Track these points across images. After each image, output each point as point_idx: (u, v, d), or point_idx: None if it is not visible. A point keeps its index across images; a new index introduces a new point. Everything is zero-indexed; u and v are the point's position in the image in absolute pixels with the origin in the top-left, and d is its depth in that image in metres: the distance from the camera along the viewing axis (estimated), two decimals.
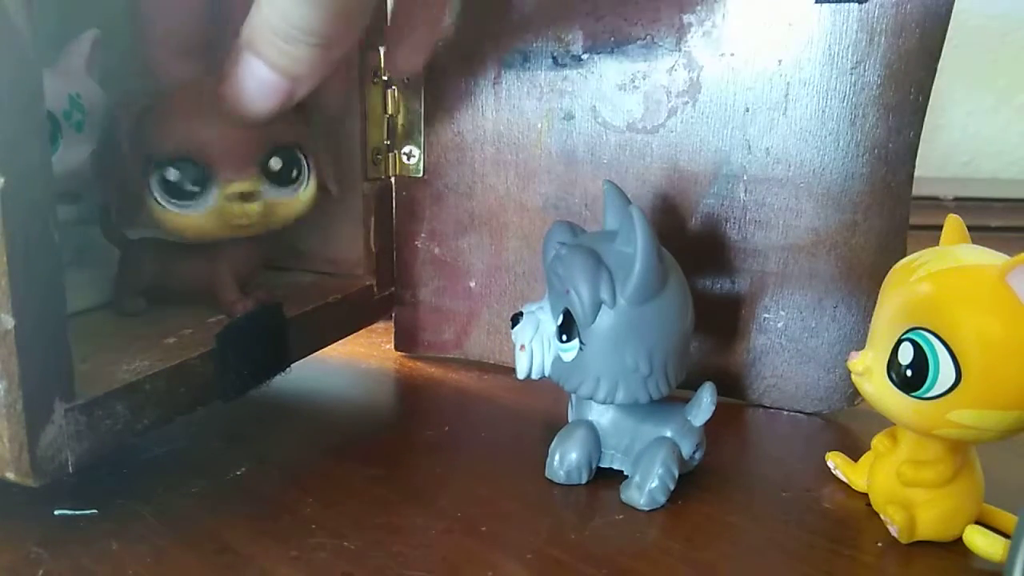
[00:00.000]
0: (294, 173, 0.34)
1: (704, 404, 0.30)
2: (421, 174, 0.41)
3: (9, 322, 0.23)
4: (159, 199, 0.31)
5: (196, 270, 0.34)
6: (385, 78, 0.40)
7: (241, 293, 0.34)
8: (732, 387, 0.38)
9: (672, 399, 0.30)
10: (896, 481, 0.27)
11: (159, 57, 0.32)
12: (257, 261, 0.35)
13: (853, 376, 0.27)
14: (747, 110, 0.36)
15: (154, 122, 0.31)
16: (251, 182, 0.32)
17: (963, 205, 0.82)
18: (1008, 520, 0.27)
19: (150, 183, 0.31)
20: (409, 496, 0.30)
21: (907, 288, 0.26)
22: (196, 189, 0.31)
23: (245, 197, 0.32)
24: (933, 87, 0.33)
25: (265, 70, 0.29)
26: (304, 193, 0.34)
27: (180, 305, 0.34)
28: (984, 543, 0.26)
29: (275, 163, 0.33)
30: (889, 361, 0.26)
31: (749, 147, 0.36)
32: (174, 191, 0.31)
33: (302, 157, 0.34)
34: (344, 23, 0.28)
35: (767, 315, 0.37)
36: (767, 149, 0.36)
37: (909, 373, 0.25)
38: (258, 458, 0.32)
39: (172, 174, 0.31)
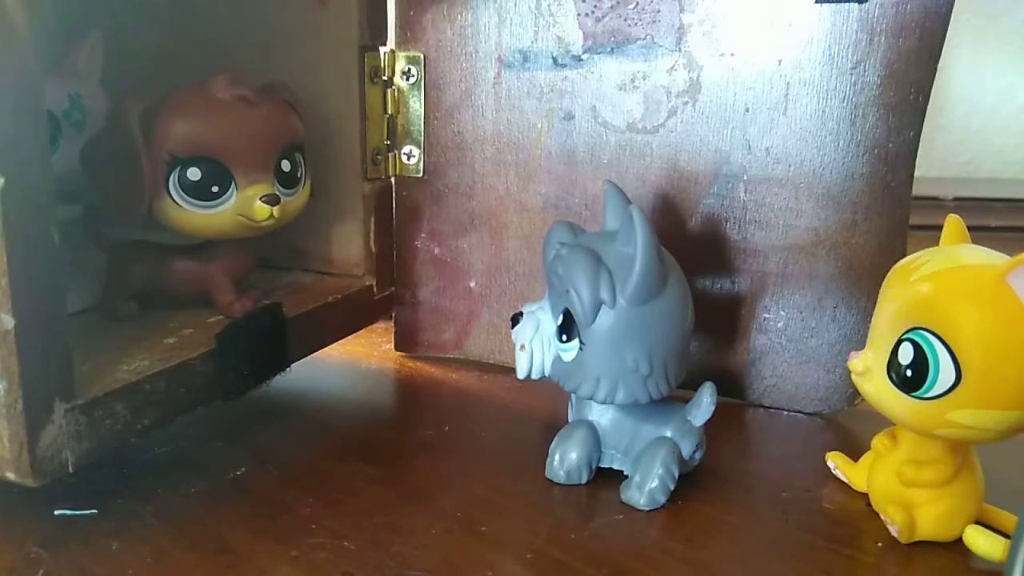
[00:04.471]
0: (298, 174, 0.34)
1: (704, 404, 0.30)
2: (421, 174, 0.41)
3: (9, 322, 0.23)
4: (177, 198, 0.31)
5: (190, 271, 0.34)
6: (385, 78, 0.40)
7: (237, 294, 0.34)
8: (732, 387, 0.38)
9: (672, 399, 0.30)
10: (896, 481, 0.27)
11: None
12: (251, 261, 0.35)
13: (853, 376, 0.27)
14: (747, 110, 0.36)
15: (169, 120, 0.31)
16: (268, 185, 0.32)
17: (963, 205, 0.82)
18: (1008, 520, 0.27)
19: (168, 182, 0.31)
20: (409, 496, 0.30)
21: (907, 288, 0.26)
22: (217, 189, 0.31)
23: (271, 200, 0.32)
24: (933, 87, 0.33)
25: None
26: (303, 193, 0.35)
27: (178, 306, 0.34)
28: (984, 543, 0.26)
29: (285, 165, 0.33)
30: (889, 361, 0.26)
31: (749, 147, 0.36)
32: (195, 191, 0.31)
33: (302, 158, 0.34)
34: None
35: (767, 315, 0.37)
36: (767, 149, 0.36)
37: (909, 373, 0.25)
38: (258, 458, 0.32)
39: (195, 173, 0.31)
